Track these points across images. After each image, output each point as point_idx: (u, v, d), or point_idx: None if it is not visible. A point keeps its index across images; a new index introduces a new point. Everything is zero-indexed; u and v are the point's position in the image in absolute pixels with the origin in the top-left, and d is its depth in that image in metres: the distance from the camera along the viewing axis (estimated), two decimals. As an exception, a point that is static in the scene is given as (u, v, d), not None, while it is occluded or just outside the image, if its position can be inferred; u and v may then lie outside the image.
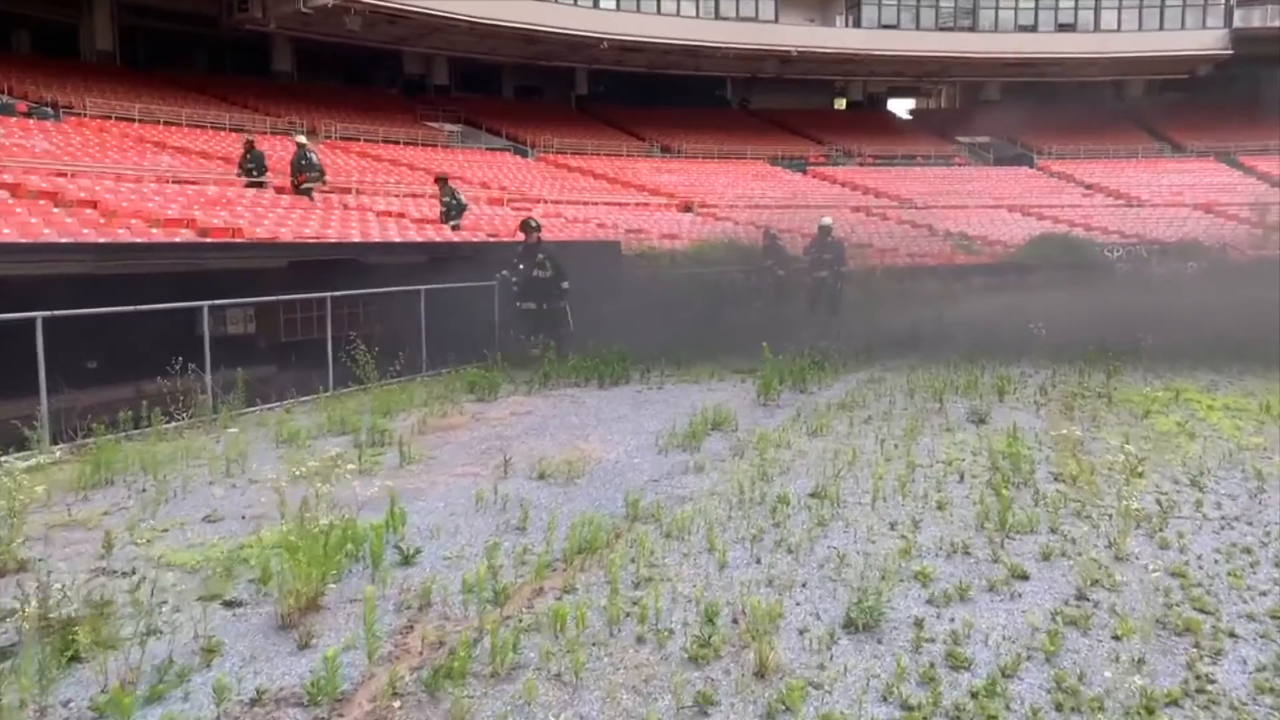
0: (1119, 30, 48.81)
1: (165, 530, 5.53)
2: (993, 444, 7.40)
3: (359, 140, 38.21)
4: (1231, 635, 4.01)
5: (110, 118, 32.53)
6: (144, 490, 6.38)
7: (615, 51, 45.44)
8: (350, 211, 22.28)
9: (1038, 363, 12.06)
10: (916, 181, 43.08)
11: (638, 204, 35.34)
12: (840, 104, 56.24)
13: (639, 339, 13.03)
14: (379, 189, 29.01)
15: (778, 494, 6.02)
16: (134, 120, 33.04)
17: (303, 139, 21.29)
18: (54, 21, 39.51)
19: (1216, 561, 4.90)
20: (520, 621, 4.10)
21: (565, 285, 12.71)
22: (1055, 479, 6.50)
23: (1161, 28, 48.14)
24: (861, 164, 46.22)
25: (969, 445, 7.52)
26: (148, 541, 5.31)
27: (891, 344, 13.36)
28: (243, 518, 5.78)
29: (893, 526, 5.43)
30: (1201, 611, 4.24)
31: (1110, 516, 5.59)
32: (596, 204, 33.85)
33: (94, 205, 16.72)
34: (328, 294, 10.68)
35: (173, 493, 6.31)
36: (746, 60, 47.67)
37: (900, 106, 59.28)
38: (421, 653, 3.84)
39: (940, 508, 5.78)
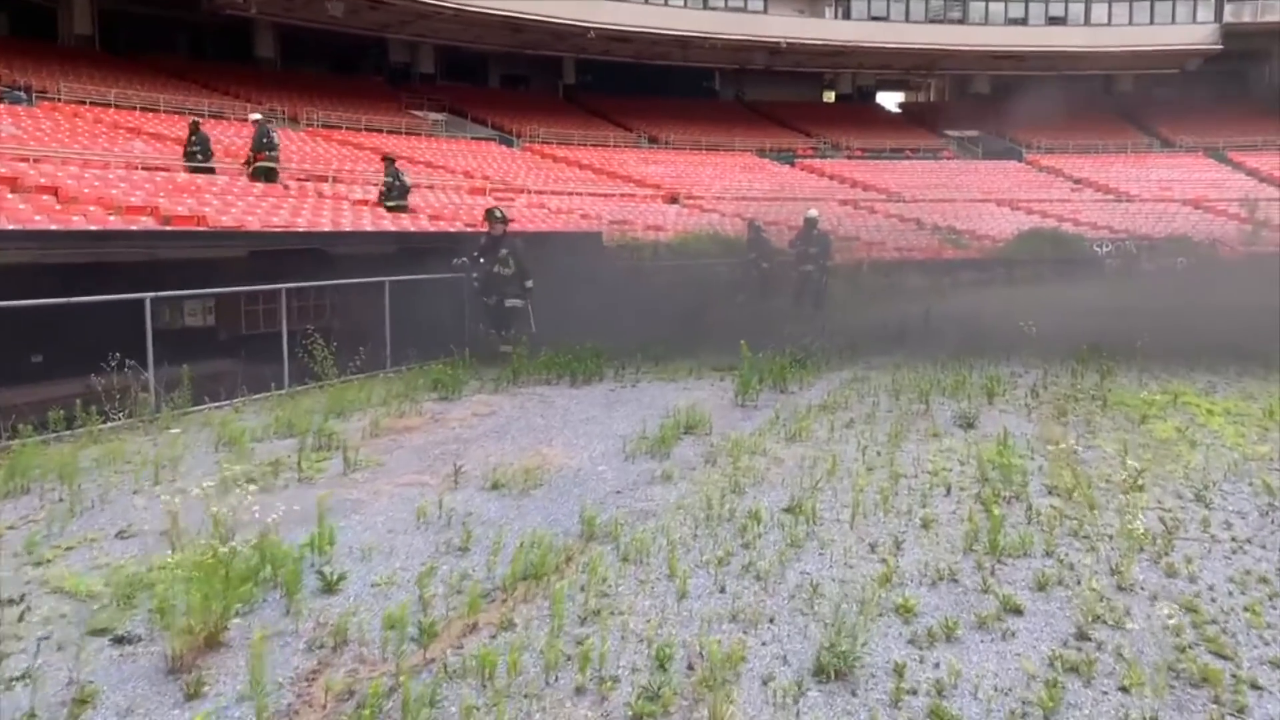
0: (1109, 24, 48.45)
1: (70, 548, 5.00)
2: (982, 452, 6.92)
3: (341, 128, 37.58)
4: (1255, 687, 3.53)
5: (85, 103, 31.85)
6: (60, 500, 5.85)
7: (603, 41, 44.81)
8: (325, 200, 21.68)
9: (1028, 362, 11.60)
10: (905, 175, 42.63)
11: (623, 195, 34.79)
12: (829, 96, 55.74)
13: (617, 333, 12.53)
14: (358, 177, 28.38)
15: (749, 509, 5.52)
16: (110, 105, 32.35)
17: (258, 116, 20.44)
18: (33, 5, 38.81)
19: (1230, 593, 4.42)
20: (445, 667, 3.58)
21: (529, 284, 12.08)
22: (1049, 492, 6.02)
23: (1152, 22, 47.80)
24: (850, 157, 45.75)
25: (956, 453, 7.04)
26: (48, 561, 4.78)
27: (877, 340, 12.89)
28: (161, 533, 5.25)
29: (873, 548, 4.94)
30: (1219, 656, 3.76)
31: (1110, 538, 5.11)
32: (581, 194, 33.30)
33: (54, 192, 16.11)
34: (282, 286, 10.12)
35: (90, 503, 5.78)
36: (735, 51, 47.10)
37: (889, 100, 58.86)
38: (326, 705, 3.33)
39: (925, 526, 5.29)
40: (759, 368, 9.96)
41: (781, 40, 45.33)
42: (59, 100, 31.38)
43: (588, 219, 26.95)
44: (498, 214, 12.62)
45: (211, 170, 19.07)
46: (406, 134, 39.22)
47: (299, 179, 26.05)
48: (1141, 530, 5.02)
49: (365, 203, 23.00)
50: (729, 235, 22.79)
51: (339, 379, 10.04)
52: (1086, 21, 48.66)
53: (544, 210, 27.40)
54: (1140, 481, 6.01)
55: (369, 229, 17.25)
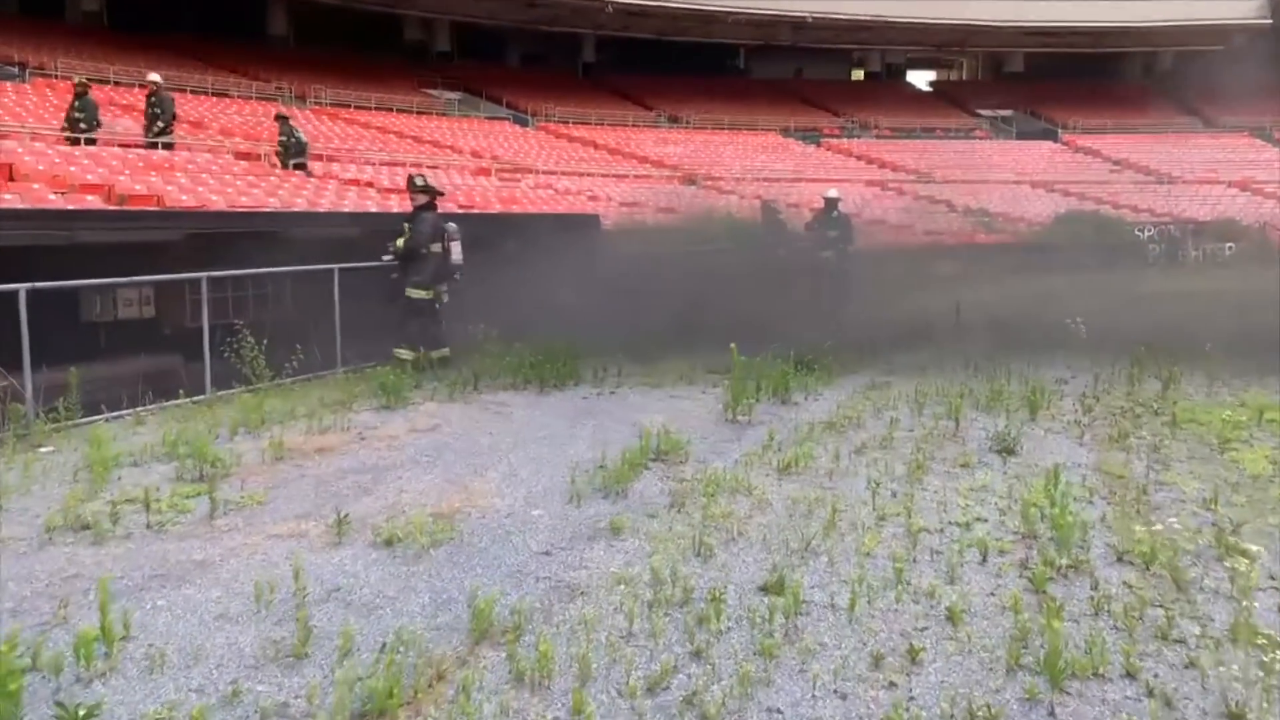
0: (1151, -3, 46.21)
1: None
2: (1026, 493, 5.43)
3: (349, 106, 36.32)
4: None
5: (82, 79, 30.71)
6: None
7: (622, 16, 43.18)
8: (311, 179, 20.34)
9: (1074, 363, 10.06)
10: (935, 155, 40.78)
11: (637, 176, 33.23)
12: (858, 75, 53.83)
13: (606, 328, 11.12)
14: (356, 157, 27.03)
15: (712, 586, 4.07)
16: (108, 83, 31.20)
17: (155, 77, 18.76)
18: (41, -18, 37.98)
19: None
20: None
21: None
22: (1119, 559, 4.52)
23: (1196, -6, 45.46)
24: (878, 136, 43.92)
25: (994, 493, 5.54)
26: None
27: (900, 338, 11.35)
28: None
29: (877, 662, 3.47)
30: None
31: (1216, 642, 3.61)
32: (593, 175, 31.81)
33: (7, 169, 14.84)
34: (202, 274, 8.73)
35: None
36: (759, 26, 45.29)
37: (920, 79, 56.82)
38: None
39: (953, 619, 3.81)
40: (758, 372, 8.50)
41: (807, 15, 43.40)
42: (54, 77, 30.26)
43: (595, 200, 25.48)
44: (419, 182, 10.40)
45: (93, 141, 17.06)
46: (418, 113, 37.89)
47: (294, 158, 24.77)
48: (1265, 633, 3.52)
49: (356, 183, 21.69)
50: (743, 218, 21.21)
51: (275, 382, 8.65)
52: (1126, -4, 46.46)
53: (550, 191, 25.93)
54: (1244, 545, 4.50)
55: (324, 209, 15.82)
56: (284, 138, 19.03)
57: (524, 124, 40.44)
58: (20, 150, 15.98)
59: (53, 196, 12.67)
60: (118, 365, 9.32)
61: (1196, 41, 47.35)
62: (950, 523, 5.01)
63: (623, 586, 4.13)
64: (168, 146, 17.41)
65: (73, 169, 15.38)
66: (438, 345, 9.85)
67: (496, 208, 20.46)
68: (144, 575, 4.30)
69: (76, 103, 17.13)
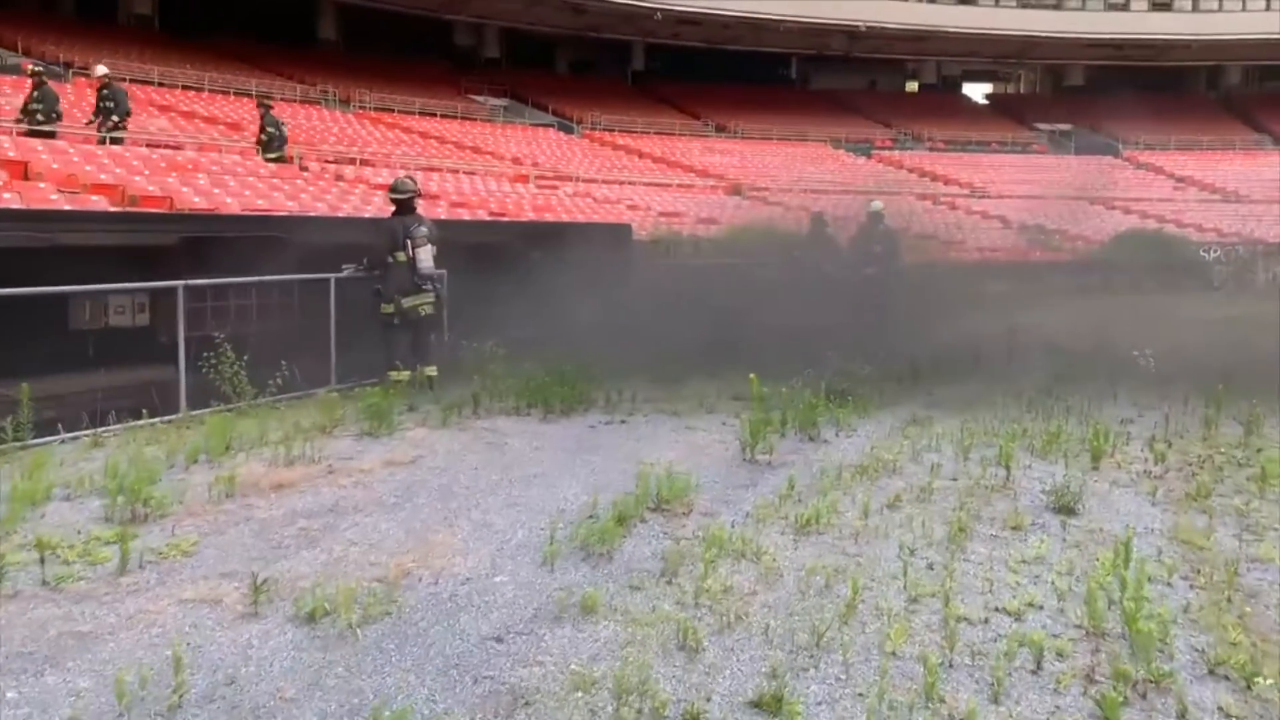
0: (1219, 9, 44.58)
1: None
2: (1090, 569, 4.52)
3: (392, 111, 36.01)
4: None
5: (124, 80, 30.69)
6: None
7: (671, 24, 42.53)
8: (339, 183, 19.82)
9: (1140, 399, 9.05)
10: (990, 170, 39.56)
11: (681, 185, 32.45)
12: (912, 87, 52.63)
13: (629, 345, 10.34)
14: (392, 161, 26.50)
15: (692, 697, 3.22)
16: (152, 84, 31.17)
17: (103, 69, 17.66)
18: (94, -15, 38.32)
19: None
20: None
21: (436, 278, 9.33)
22: (1212, 671, 3.60)
23: (1268, 7, 43.70)
24: (932, 149, 42.72)
25: (1051, 568, 4.62)
26: None
27: (947, 365, 10.38)
28: None
29: (894, 833, 2.60)
30: None
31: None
32: (635, 184, 31.09)
33: (22, 166, 14.39)
34: (179, 283, 8.04)
35: None
36: (811, 35, 44.37)
37: (976, 92, 55.50)
38: None
39: (998, 762, 2.93)
40: (785, 403, 7.63)
41: (860, 23, 42.42)
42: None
43: (635, 209, 24.70)
44: (410, 184, 9.51)
45: (53, 134, 16.07)
46: (461, 118, 37.52)
47: (327, 161, 24.33)
48: None
49: (385, 187, 21.12)
50: (786, 230, 20.28)
51: (257, 400, 7.94)
52: (1194, 8, 44.87)
53: (589, 200, 25.22)
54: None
55: (327, 213, 15.18)
56: (271, 129, 18.50)
57: (569, 131, 39.90)
58: (39, 149, 15.53)
59: (54, 196, 12.16)
60: (105, 377, 8.74)
61: (1266, 56, 45.58)
62: (997, 609, 4.10)
63: (580, 694, 3.29)
64: (116, 142, 16.50)
65: (89, 168, 14.91)
66: (426, 361, 9.10)
67: (529, 215, 19.78)
68: (6, 654, 3.55)
69: (35, 93, 16.16)
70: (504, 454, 6.74)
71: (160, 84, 31.36)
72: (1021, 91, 55.95)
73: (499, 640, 3.73)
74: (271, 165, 20.35)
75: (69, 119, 21.45)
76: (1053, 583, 4.42)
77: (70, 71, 30.03)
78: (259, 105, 19.71)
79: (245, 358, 7.97)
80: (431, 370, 9.17)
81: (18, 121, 16.19)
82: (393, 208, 9.55)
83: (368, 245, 9.43)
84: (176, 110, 27.51)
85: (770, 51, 47.31)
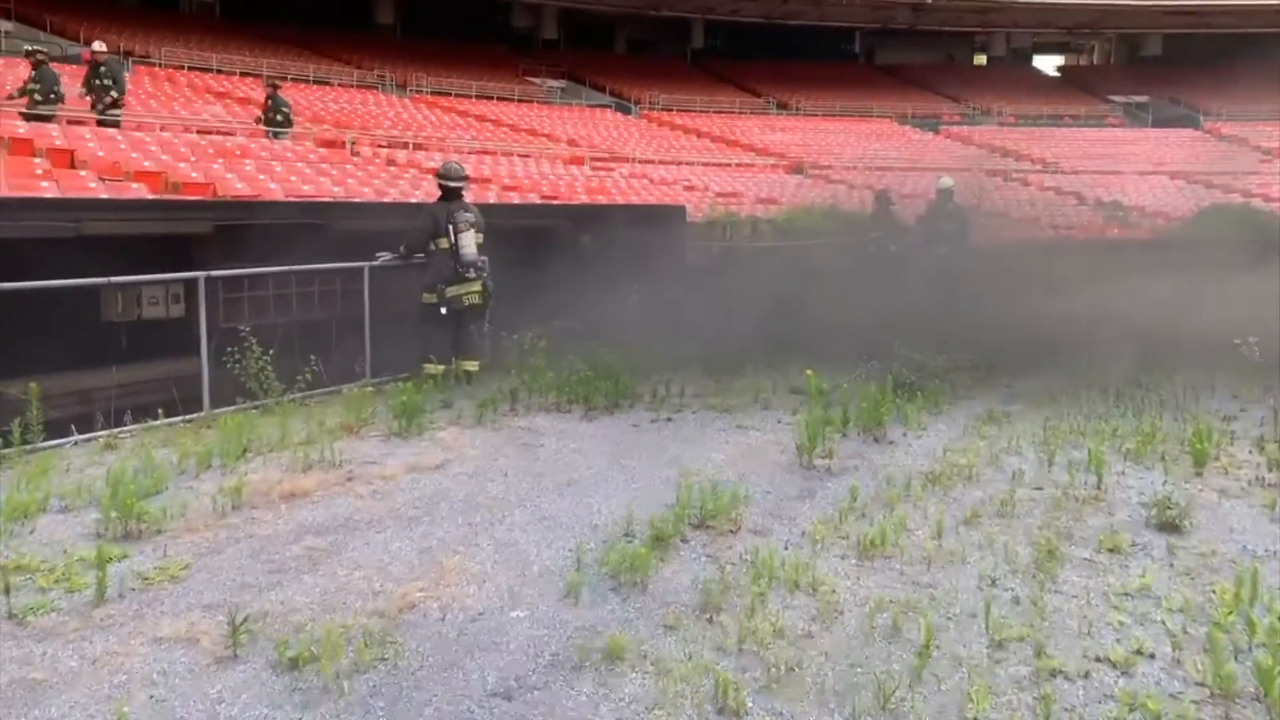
0: (1311, -29, 42.26)
1: None
2: (1207, 604, 3.84)
3: (449, 95, 35.72)
4: None
5: (183, 67, 30.85)
6: None
7: (730, 0, 41.57)
8: (390, 168, 19.45)
9: (1241, 391, 8.23)
10: (1063, 144, 38.04)
11: (740, 164, 31.63)
12: (980, 60, 51.01)
13: (681, 332, 9.78)
14: (446, 145, 26.12)
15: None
16: (210, 70, 31.28)
17: (100, 45, 16.56)
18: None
19: None
20: None
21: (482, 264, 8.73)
22: (1375, 749, 2.93)
23: (1366, -32, 41.36)
24: (1001, 124, 41.28)
25: (1159, 602, 3.94)
26: None
27: (1024, 353, 9.62)
28: None
29: None
30: None
31: None
32: (693, 164, 30.35)
33: (68, 154, 14.19)
34: (200, 274, 7.62)
35: None
36: (876, 8, 43.14)
37: (1046, 64, 53.64)
38: None
39: None
40: (848, 397, 6.99)
41: (928, -6, 41.09)
42: (157, 65, 30.38)
43: (692, 190, 24.02)
44: (458, 169, 9.08)
45: (49, 118, 15.30)
46: (518, 101, 37.10)
47: (379, 146, 24.02)
48: None
49: (435, 172, 20.74)
50: (850, 209, 19.47)
51: (286, 397, 7.51)
52: (1282, -31, 42.61)
53: (644, 181, 24.60)
54: None
55: (374, 198, 14.75)
56: (271, 112, 18.29)
57: (626, 112, 39.29)
58: (87, 138, 15.35)
59: (93, 184, 11.88)
60: (140, 370, 8.40)
61: (1359, 19, 43.26)
62: (1099, 658, 3.45)
63: (594, 774, 2.73)
64: (114, 124, 15.87)
65: (134, 155, 14.68)
66: (465, 354, 8.59)
67: (581, 198, 19.22)
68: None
69: (33, 73, 15.39)
70: (538, 458, 6.20)
71: (219, 71, 31.42)
72: (1095, 63, 53.94)
73: (507, 698, 3.18)
74: (322, 151, 20.11)
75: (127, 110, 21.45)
76: (1163, 623, 3.75)
77: (130, 60, 30.16)
78: (266, 86, 19.33)
79: (270, 352, 7.53)
80: (472, 365, 8.67)
81: (11, 99, 15.67)
82: (439, 192, 9.08)
83: (407, 231, 8.96)
84: (232, 97, 27.40)
85: (833, 26, 46.15)
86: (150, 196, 11.20)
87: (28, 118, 15.09)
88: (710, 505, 4.88)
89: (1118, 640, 3.59)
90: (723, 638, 3.58)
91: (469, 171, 9.61)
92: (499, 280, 9.06)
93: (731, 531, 4.74)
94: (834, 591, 4.00)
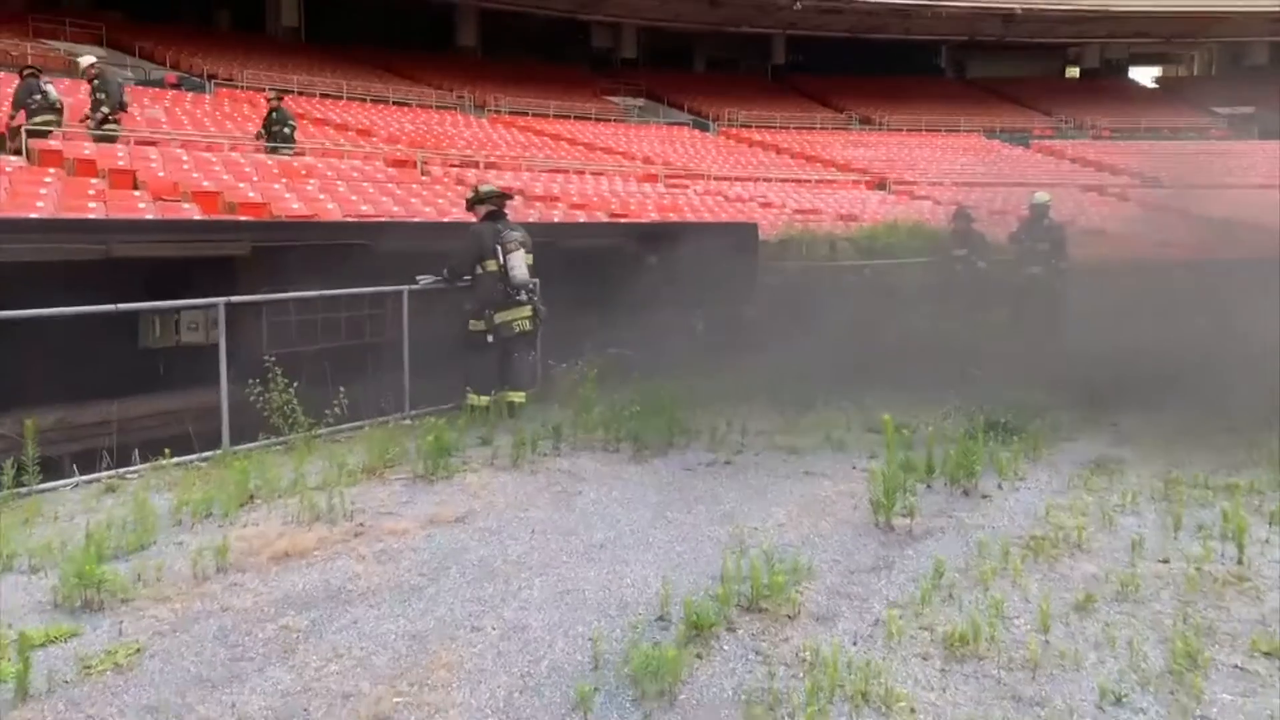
0: None
1: None
2: None
3: (526, 114, 35.49)
4: None
5: (264, 89, 31.06)
6: None
7: (812, 14, 40.73)
8: (459, 187, 18.98)
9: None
10: (1164, 158, 36.16)
11: (820, 181, 30.66)
12: (1073, 73, 49.25)
13: (748, 361, 9.00)
14: (519, 164, 25.69)
15: None
16: (292, 92, 31.46)
17: (90, 58, 15.86)
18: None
19: None
20: None
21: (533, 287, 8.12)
22: None
23: None
24: (1096, 138, 39.56)
25: (1343, 734, 3.03)
26: None
27: (1134, 385, 8.59)
28: None
29: None
30: None
31: None
32: (770, 180, 29.49)
33: (130, 174, 13.94)
34: (220, 300, 7.05)
35: None
36: (963, 20, 41.78)
37: (1143, 75, 51.52)
38: None
39: None
40: (932, 440, 6.10)
41: (1017, 6, 39.63)
42: (239, 88, 30.67)
43: (769, 208, 23.16)
44: (490, 187, 8.64)
45: (114, 138, 15.02)
46: (596, 120, 36.75)
47: (451, 165, 23.68)
48: None
49: (507, 190, 20.27)
50: (934, 227, 18.41)
51: (313, 432, 6.90)
52: (1402, -29, 40.22)
53: (719, 198, 23.81)
54: None
55: (435, 218, 14.20)
56: (276, 126, 17.69)
57: (704, 129, 38.68)
58: (152, 158, 15.15)
59: (142, 205, 11.54)
60: (178, 399, 7.91)
61: None
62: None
63: None
64: (110, 139, 15.06)
65: (195, 175, 14.42)
66: (512, 385, 7.90)
67: (651, 216, 18.52)
68: None
69: (95, 82, 14.85)
70: (573, 509, 5.45)
71: (300, 93, 31.59)
72: (1194, 74, 51.66)
73: None
74: (391, 170, 19.75)
75: (196, 126, 21.45)
76: (1355, 770, 2.84)
77: (213, 83, 30.53)
78: (269, 99, 18.60)
79: (296, 383, 6.93)
80: (519, 396, 7.97)
81: (83, 120, 15.29)
82: (480, 214, 8.43)
83: (451, 252, 8.33)
84: (309, 118, 27.42)
85: (918, 39, 44.99)
86: (196, 218, 10.76)
87: (97, 139, 14.91)
88: (769, 575, 4.06)
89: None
90: (764, 781, 2.77)
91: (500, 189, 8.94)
92: (554, 305, 8.37)
93: (789, 617, 3.91)
94: (912, 710, 3.16)
